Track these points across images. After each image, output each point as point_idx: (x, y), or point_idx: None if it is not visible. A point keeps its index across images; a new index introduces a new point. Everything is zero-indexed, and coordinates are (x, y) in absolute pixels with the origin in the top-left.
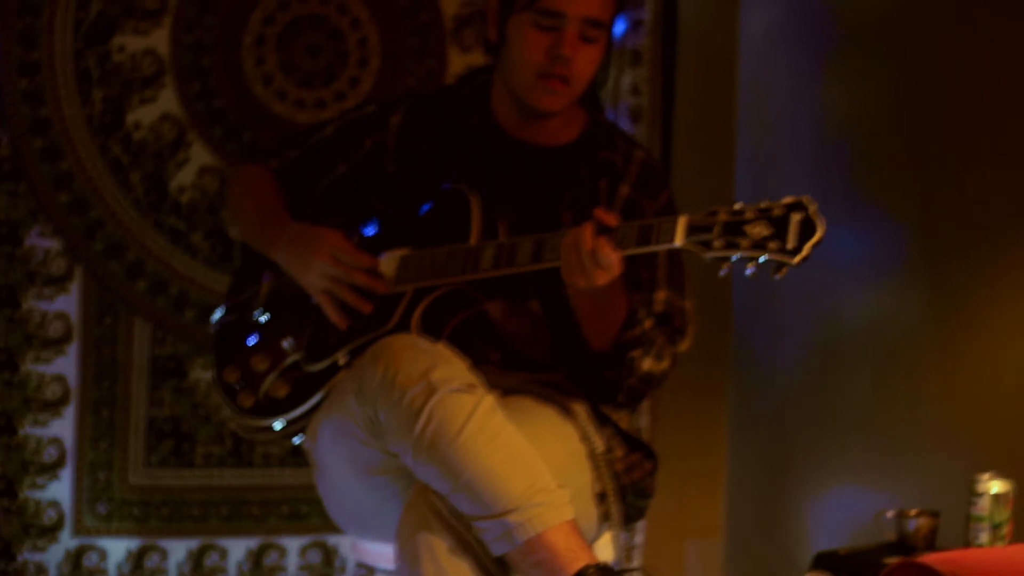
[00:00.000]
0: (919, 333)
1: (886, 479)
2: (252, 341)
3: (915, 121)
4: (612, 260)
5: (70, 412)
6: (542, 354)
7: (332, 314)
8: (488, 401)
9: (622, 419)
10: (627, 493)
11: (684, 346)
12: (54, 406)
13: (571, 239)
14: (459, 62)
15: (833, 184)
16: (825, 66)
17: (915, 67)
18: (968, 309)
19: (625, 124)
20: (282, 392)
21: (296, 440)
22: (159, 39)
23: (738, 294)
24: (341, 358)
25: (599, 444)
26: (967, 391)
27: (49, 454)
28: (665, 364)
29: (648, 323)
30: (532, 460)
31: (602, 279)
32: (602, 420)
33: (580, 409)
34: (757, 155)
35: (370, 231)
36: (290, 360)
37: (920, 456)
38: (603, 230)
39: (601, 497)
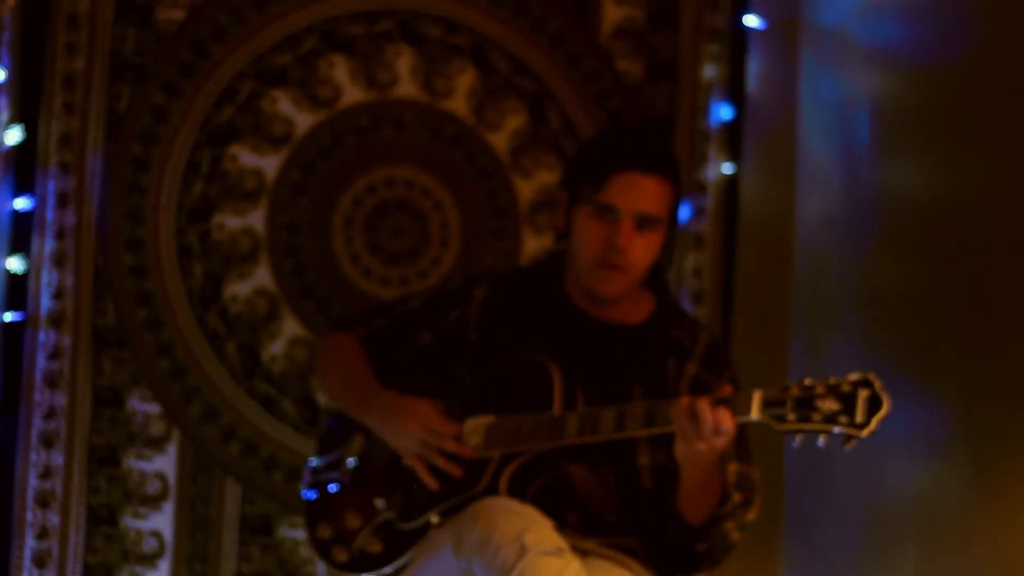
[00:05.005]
0: (963, 510)
1: None
2: (344, 500)
3: (956, 304)
4: (731, 426)
5: (165, 565)
6: (617, 518)
7: (425, 477)
8: (574, 566)
9: None
10: None
11: (752, 516)
12: (150, 559)
13: (685, 409)
14: (533, 244)
15: (881, 362)
16: (875, 252)
17: (953, 252)
18: (1012, 485)
19: (687, 305)
20: (375, 548)
21: None
22: (256, 219)
23: (789, 464)
24: (433, 517)
25: None
26: (1010, 567)
27: None
28: (741, 534)
29: (738, 497)
30: None
31: (721, 443)
32: None
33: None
34: (811, 335)
35: (456, 399)
36: (382, 518)
37: None
38: (721, 401)
39: None
